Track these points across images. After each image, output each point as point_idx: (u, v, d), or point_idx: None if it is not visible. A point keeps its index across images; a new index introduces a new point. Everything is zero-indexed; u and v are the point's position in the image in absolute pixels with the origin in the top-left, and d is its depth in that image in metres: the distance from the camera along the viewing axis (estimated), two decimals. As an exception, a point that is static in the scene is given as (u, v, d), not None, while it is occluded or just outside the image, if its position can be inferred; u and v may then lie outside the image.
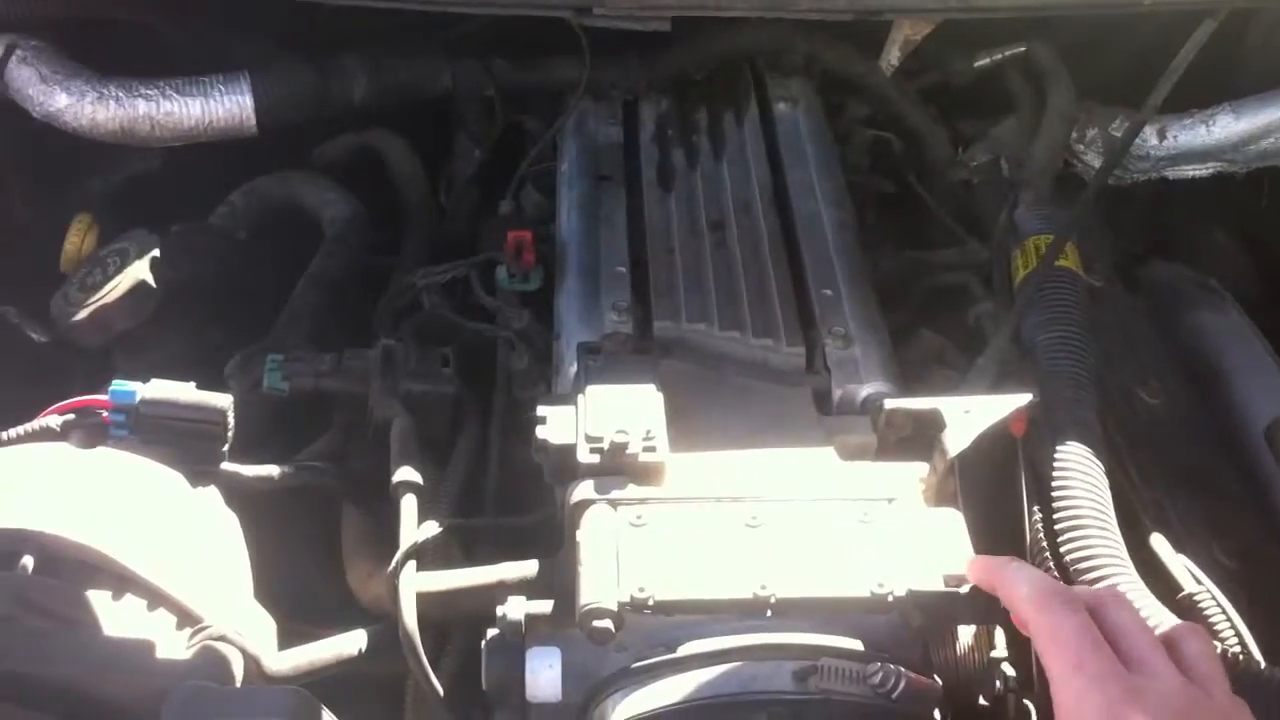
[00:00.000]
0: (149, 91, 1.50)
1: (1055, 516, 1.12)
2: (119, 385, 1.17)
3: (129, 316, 1.43)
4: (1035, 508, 1.14)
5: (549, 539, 1.16)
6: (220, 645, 1.00)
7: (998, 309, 1.39)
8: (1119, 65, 1.68)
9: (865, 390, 1.23)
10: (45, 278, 1.52)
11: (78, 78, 1.50)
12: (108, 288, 1.42)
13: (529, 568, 1.14)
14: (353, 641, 1.16)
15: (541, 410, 1.14)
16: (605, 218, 1.44)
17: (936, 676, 0.99)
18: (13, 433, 1.17)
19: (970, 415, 1.11)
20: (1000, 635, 1.01)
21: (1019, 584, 0.91)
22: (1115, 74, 1.67)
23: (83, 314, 1.41)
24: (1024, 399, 1.13)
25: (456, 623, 1.18)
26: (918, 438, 1.15)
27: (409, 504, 1.19)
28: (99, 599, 1.02)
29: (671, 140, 1.56)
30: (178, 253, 1.47)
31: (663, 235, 1.41)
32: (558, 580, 1.08)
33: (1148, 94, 1.45)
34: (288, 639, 1.15)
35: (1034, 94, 1.66)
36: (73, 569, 1.03)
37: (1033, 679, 1.00)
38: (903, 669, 0.95)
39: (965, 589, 0.99)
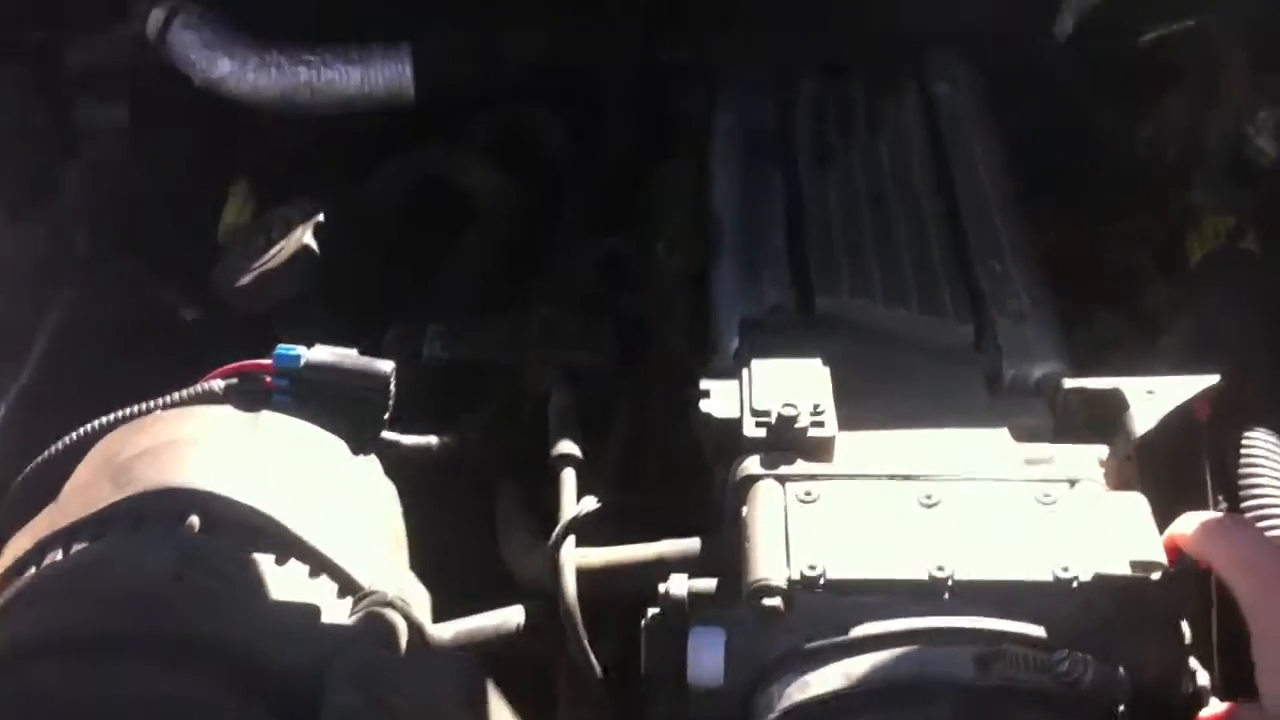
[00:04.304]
0: (310, 58, 1.49)
1: (1242, 507, 1.06)
2: (284, 349, 1.17)
3: (292, 283, 1.42)
4: (1219, 497, 1.08)
5: (709, 521, 1.13)
6: (386, 611, 0.99)
7: (1177, 290, 1.34)
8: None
9: (1039, 370, 1.18)
10: (200, 253, 1.51)
11: (240, 43, 1.50)
12: (272, 252, 1.42)
13: (692, 545, 1.12)
14: (513, 616, 1.15)
15: (704, 384, 1.11)
16: (761, 193, 1.41)
17: (1122, 669, 0.94)
18: (177, 395, 1.17)
19: (1155, 396, 1.07)
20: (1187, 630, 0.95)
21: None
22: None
23: (247, 278, 1.40)
24: (1211, 380, 1.08)
25: (612, 604, 1.15)
26: (1094, 420, 1.11)
27: (569, 477, 1.18)
28: (263, 562, 1.01)
29: (827, 115, 1.51)
30: (337, 222, 1.46)
31: (821, 210, 1.37)
32: (722, 559, 1.04)
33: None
34: (437, 613, 1.13)
35: (1205, 70, 1.58)
36: (236, 531, 1.02)
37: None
38: (1090, 658, 0.90)
39: (1157, 575, 0.94)
